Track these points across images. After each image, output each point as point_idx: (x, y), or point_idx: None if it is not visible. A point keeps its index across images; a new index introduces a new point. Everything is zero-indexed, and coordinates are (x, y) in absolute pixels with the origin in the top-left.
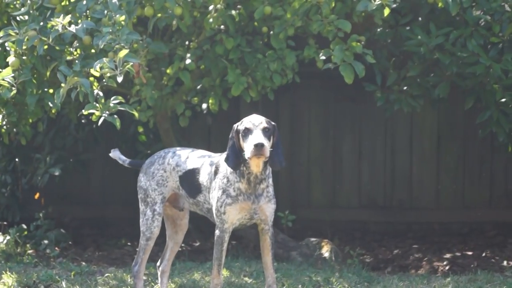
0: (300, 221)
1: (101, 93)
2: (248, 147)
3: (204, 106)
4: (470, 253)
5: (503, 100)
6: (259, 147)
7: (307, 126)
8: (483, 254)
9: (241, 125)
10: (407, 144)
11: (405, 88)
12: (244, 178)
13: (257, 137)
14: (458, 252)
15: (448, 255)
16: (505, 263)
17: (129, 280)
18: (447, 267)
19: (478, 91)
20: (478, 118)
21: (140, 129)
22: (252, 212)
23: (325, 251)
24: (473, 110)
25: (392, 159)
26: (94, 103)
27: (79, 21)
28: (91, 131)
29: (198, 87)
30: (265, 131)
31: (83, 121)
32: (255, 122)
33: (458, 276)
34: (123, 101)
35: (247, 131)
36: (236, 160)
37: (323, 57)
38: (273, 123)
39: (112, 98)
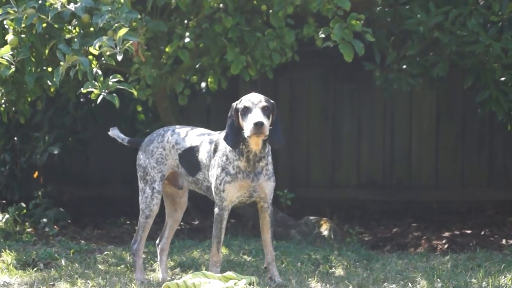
0: (299, 200)
1: (100, 72)
2: (247, 125)
3: (203, 85)
4: (469, 231)
5: (503, 79)
6: (258, 125)
7: (306, 105)
8: (482, 233)
9: (240, 103)
10: (406, 123)
11: (404, 67)
12: (243, 156)
13: (257, 115)
14: (457, 230)
15: (447, 234)
16: (504, 241)
17: (128, 258)
18: (446, 246)
19: (477, 70)
20: (477, 97)
21: (139, 108)
22: (252, 190)
23: (324, 230)
24: (472, 89)
25: (391, 138)
26: (93, 81)
27: None
28: (90, 110)
29: (197, 65)
30: (264, 109)
31: (82, 100)
32: (254, 101)
33: (457, 255)
34: (122, 79)
35: (246, 110)
36: (235, 138)
37: (323, 36)
38: (272, 101)
39: (111, 77)
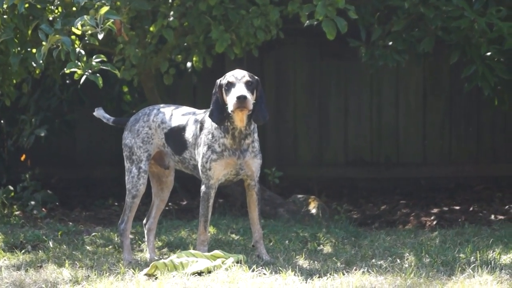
0: (287, 178)
1: (83, 52)
2: (230, 100)
3: (189, 64)
4: (457, 207)
5: (488, 53)
6: (241, 99)
7: (292, 83)
8: (471, 209)
9: (224, 79)
10: (393, 100)
11: (390, 43)
12: (229, 134)
13: (240, 89)
14: (445, 207)
15: (435, 210)
16: (492, 217)
17: (116, 239)
18: (434, 222)
19: (463, 45)
20: (463, 73)
21: (125, 89)
22: (238, 167)
23: (312, 208)
24: (458, 65)
25: (378, 115)
26: (76, 61)
27: None
28: (76, 92)
29: (182, 45)
30: (248, 84)
31: (67, 81)
32: (237, 76)
33: (445, 230)
34: (105, 59)
35: (230, 85)
36: (220, 115)
37: (307, 13)
38: (256, 77)
39: (94, 57)
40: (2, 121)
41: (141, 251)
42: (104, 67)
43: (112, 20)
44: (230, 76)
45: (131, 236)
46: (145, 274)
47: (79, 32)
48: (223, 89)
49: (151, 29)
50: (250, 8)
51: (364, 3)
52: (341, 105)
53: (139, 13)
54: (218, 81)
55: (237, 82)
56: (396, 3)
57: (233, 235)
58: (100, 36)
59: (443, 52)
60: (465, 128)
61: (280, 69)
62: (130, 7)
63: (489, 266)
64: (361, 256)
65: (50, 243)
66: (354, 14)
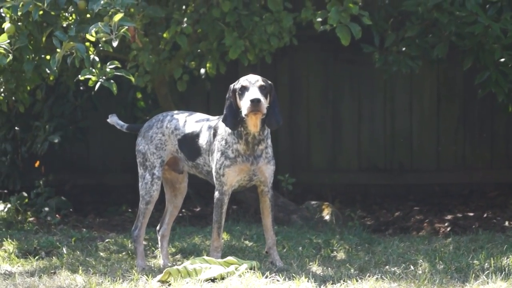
0: (300, 185)
1: (97, 58)
2: (244, 104)
3: (202, 71)
4: (471, 214)
5: (502, 60)
6: (255, 102)
7: (306, 89)
8: (485, 215)
9: (237, 84)
10: (406, 106)
11: (403, 49)
12: (242, 139)
13: (254, 93)
14: (459, 213)
15: (449, 217)
16: (506, 223)
17: (129, 245)
18: (448, 229)
19: (477, 51)
20: (477, 79)
21: (139, 95)
22: (251, 173)
23: (326, 214)
24: (472, 71)
25: (391, 121)
26: (90, 68)
27: None
28: (90, 98)
29: (196, 51)
30: (262, 88)
31: (81, 88)
32: (251, 80)
33: (459, 237)
34: (119, 66)
35: (244, 89)
36: (234, 119)
37: (320, 19)
38: (269, 82)
39: (108, 63)
40: (16, 128)
41: (155, 257)
42: (118, 73)
43: (126, 27)
44: (244, 81)
45: (144, 243)
46: (159, 281)
47: (93, 39)
48: (236, 93)
49: (165, 35)
50: (264, 15)
51: (377, 9)
52: (355, 110)
53: (153, 19)
54: (231, 86)
55: (251, 86)
56: (410, 8)
57: (247, 242)
58: (115, 43)
59: (456, 57)
60: (479, 134)
61: (293, 75)
62: (144, 13)
63: (503, 272)
64: (375, 262)
65: (64, 249)
66: (368, 20)
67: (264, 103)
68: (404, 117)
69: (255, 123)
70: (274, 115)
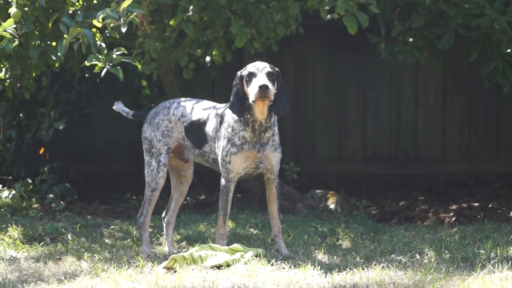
0: (305, 174)
1: (103, 45)
2: (252, 90)
3: (208, 59)
4: (476, 204)
5: (509, 51)
6: (263, 88)
7: (311, 78)
8: (490, 205)
9: (245, 71)
10: (412, 96)
11: (410, 39)
12: (249, 126)
13: (262, 79)
14: (464, 203)
15: (454, 207)
16: (511, 214)
17: (134, 232)
18: (453, 218)
19: (483, 42)
20: (483, 69)
21: (144, 83)
22: (258, 161)
23: (331, 203)
24: (478, 62)
25: (397, 111)
26: (97, 54)
27: None
28: (95, 85)
29: (202, 39)
30: (269, 75)
31: (86, 75)
32: (259, 67)
33: (464, 226)
34: (126, 52)
35: (251, 75)
36: (241, 106)
37: (327, 8)
38: (277, 69)
39: (114, 50)
40: (21, 114)
41: (160, 244)
42: (125, 60)
43: (135, 13)
44: (251, 67)
45: (149, 230)
46: (164, 267)
47: (99, 25)
48: (244, 80)
49: (171, 23)
50: (270, 3)
51: None
52: (360, 100)
53: (159, 6)
54: (238, 72)
55: (259, 72)
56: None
57: (252, 229)
58: (123, 29)
59: (463, 49)
60: (485, 125)
61: (299, 64)
62: (150, 0)
63: (510, 262)
64: (381, 251)
65: (69, 235)
66: (375, 9)
67: (272, 89)
68: (410, 107)
69: (262, 110)
70: (281, 102)
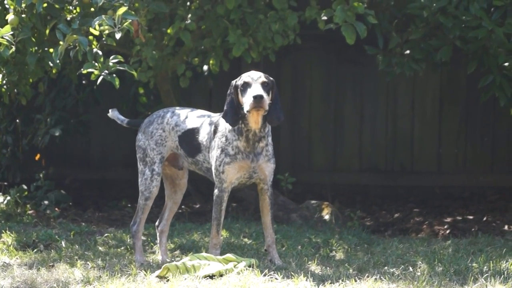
0: (300, 184)
1: (100, 52)
2: (247, 100)
3: (205, 68)
4: (471, 217)
5: (506, 64)
6: (258, 99)
7: (308, 88)
8: (484, 218)
9: (239, 80)
10: (409, 107)
11: (407, 51)
12: (243, 136)
13: (256, 89)
14: (459, 216)
15: (449, 219)
16: (506, 227)
17: (128, 240)
18: (447, 231)
19: (480, 55)
20: (480, 82)
21: (141, 91)
22: (251, 171)
23: (325, 214)
24: (475, 74)
25: (393, 122)
26: (93, 62)
27: None
28: (92, 92)
29: (199, 47)
30: (264, 85)
31: (83, 82)
32: (253, 77)
33: (458, 239)
34: (122, 60)
35: (246, 85)
36: (235, 116)
37: (325, 18)
38: (271, 78)
39: (111, 57)
40: (17, 120)
41: (153, 253)
42: (121, 68)
43: (130, 20)
44: (246, 77)
45: (143, 238)
46: (157, 276)
47: (96, 33)
48: (238, 89)
49: (169, 31)
50: (268, 12)
51: (382, 10)
52: (357, 111)
53: (157, 15)
54: (233, 82)
55: (253, 82)
56: (414, 11)
57: (246, 239)
58: (118, 36)
59: (460, 61)
60: (481, 138)
61: (296, 74)
62: (148, 9)
63: (502, 276)
64: (374, 263)
65: (63, 242)
66: (373, 19)
67: (267, 99)
68: (406, 119)
69: (257, 119)
70: (275, 112)
